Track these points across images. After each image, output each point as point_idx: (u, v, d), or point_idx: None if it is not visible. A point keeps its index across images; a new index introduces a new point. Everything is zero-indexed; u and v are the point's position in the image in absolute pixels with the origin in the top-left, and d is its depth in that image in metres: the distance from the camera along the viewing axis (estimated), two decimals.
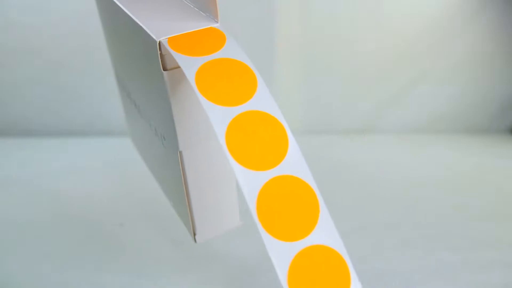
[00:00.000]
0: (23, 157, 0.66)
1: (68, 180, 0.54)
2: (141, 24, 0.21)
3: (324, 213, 0.19)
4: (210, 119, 0.18)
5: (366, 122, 0.93)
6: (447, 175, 0.61)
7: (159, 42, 0.20)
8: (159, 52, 0.20)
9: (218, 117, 0.18)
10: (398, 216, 0.45)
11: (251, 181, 0.18)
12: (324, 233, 0.19)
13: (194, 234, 0.29)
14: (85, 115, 0.83)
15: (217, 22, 0.21)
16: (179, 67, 0.20)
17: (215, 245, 0.36)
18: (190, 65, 0.19)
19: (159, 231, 0.39)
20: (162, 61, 0.20)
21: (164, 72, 0.20)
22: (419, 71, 0.92)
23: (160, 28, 0.20)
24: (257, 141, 0.19)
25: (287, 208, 0.18)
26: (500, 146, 0.84)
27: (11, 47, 0.78)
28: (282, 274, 0.17)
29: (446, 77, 0.93)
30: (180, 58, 0.19)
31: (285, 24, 0.86)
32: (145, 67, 0.23)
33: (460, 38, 0.92)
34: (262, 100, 0.20)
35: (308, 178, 0.20)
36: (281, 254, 0.18)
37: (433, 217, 0.45)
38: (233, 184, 0.27)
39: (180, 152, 0.24)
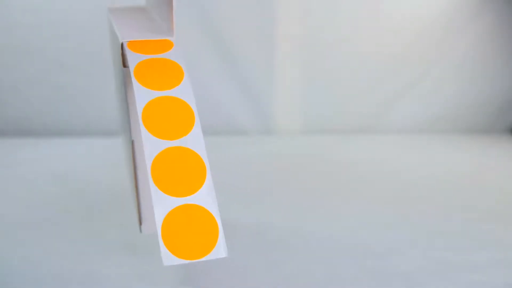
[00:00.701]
0: (23, 157, 0.66)
1: (68, 180, 0.54)
2: (118, 33, 0.27)
3: (208, 182, 0.23)
4: (135, 96, 0.23)
5: (366, 122, 0.93)
6: (447, 175, 0.61)
7: (122, 43, 0.26)
8: (120, 52, 0.26)
9: (141, 95, 0.23)
10: (398, 216, 0.45)
11: (152, 145, 0.23)
12: (204, 198, 0.22)
13: (140, 224, 0.31)
14: (85, 115, 0.83)
15: (172, 36, 0.27)
16: None
17: None
18: (135, 58, 0.25)
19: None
20: (123, 59, 0.26)
21: (124, 68, 0.26)
22: (419, 71, 0.92)
23: (129, 36, 0.27)
24: (167, 118, 0.23)
25: (177, 171, 0.22)
26: (500, 146, 0.84)
27: (11, 47, 0.78)
28: (159, 220, 0.21)
29: (446, 77, 0.93)
30: (129, 53, 0.25)
31: (285, 24, 0.86)
32: (117, 66, 0.29)
33: (460, 38, 0.92)
34: (182, 91, 0.24)
35: (203, 153, 0.23)
36: (163, 203, 0.22)
37: (433, 217, 0.45)
38: None
39: (132, 141, 0.28)
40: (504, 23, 0.92)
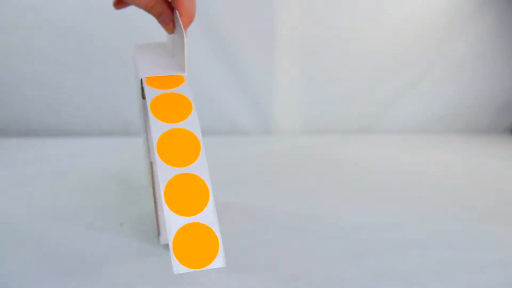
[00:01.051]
0: (23, 157, 0.66)
1: (68, 180, 0.54)
2: (140, 71, 0.32)
3: (211, 204, 0.27)
4: (151, 128, 0.28)
5: (366, 122, 0.94)
6: (447, 175, 0.61)
7: (141, 79, 0.30)
8: (141, 86, 0.30)
9: (156, 128, 0.28)
10: (398, 216, 0.45)
11: (166, 172, 0.27)
12: (207, 217, 0.27)
13: (158, 235, 0.35)
14: (85, 115, 0.83)
15: (184, 72, 0.32)
16: None
17: None
18: (151, 93, 0.29)
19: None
20: (142, 92, 0.31)
21: (143, 100, 0.31)
22: (419, 71, 0.92)
23: (147, 71, 0.31)
24: (178, 148, 0.28)
25: (186, 194, 0.27)
26: (500, 146, 0.84)
27: (11, 47, 0.78)
28: (170, 236, 0.26)
29: (446, 77, 0.94)
30: (147, 88, 0.29)
31: (286, 25, 0.86)
32: (139, 99, 0.34)
33: (460, 39, 0.92)
34: (191, 124, 0.29)
35: (207, 179, 0.27)
36: (174, 222, 0.26)
37: (433, 217, 0.45)
38: None
39: (151, 163, 0.33)
40: (504, 23, 0.92)
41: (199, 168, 0.28)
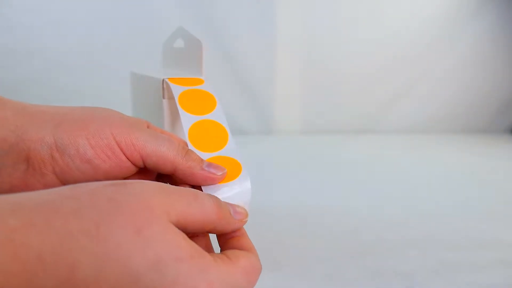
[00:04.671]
0: None
1: None
2: (154, 76, 0.35)
3: (244, 173, 0.28)
4: (181, 120, 0.30)
5: (366, 122, 0.94)
6: (447, 175, 0.61)
7: (163, 79, 0.33)
8: (161, 86, 0.33)
9: (186, 119, 0.30)
10: (398, 216, 0.45)
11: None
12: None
13: None
14: None
15: (202, 75, 0.36)
16: (171, 98, 0.33)
17: None
18: (178, 89, 0.32)
19: None
20: (162, 93, 0.34)
21: (163, 100, 0.34)
22: (419, 71, 0.92)
23: (167, 75, 0.34)
24: (207, 137, 0.30)
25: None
26: (500, 146, 0.84)
27: (11, 48, 0.78)
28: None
29: (446, 77, 0.94)
30: (173, 86, 0.32)
31: (286, 25, 0.86)
32: (151, 104, 0.37)
33: (460, 39, 0.92)
34: (217, 115, 0.31)
35: (239, 158, 0.30)
36: (210, 191, 0.27)
37: (433, 217, 0.45)
38: None
39: None
40: (504, 23, 0.92)
41: (231, 151, 0.30)
